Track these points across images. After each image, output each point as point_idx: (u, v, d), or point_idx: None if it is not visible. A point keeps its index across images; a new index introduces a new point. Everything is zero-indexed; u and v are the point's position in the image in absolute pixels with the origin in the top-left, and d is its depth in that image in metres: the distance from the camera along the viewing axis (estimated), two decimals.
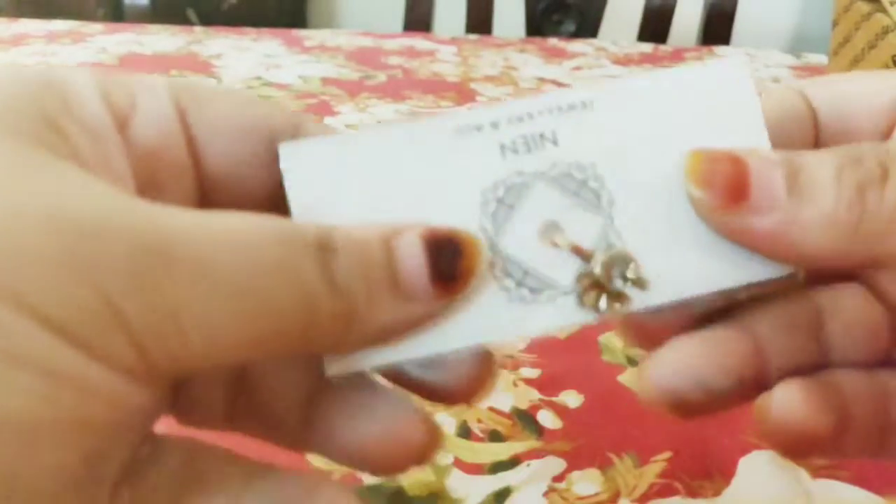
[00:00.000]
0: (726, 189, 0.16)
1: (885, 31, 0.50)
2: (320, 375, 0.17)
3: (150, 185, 0.16)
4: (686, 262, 0.17)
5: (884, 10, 0.51)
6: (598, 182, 0.18)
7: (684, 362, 0.17)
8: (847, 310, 0.18)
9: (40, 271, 0.12)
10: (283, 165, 0.17)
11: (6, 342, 0.12)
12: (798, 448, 0.17)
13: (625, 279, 0.17)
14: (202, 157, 0.17)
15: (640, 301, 0.17)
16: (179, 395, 0.17)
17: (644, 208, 0.17)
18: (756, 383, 0.17)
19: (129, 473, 0.15)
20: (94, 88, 0.16)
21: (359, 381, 0.17)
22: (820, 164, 0.16)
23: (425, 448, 0.17)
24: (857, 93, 0.19)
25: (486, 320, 0.17)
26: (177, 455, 0.16)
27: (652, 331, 0.18)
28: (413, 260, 0.16)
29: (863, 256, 0.16)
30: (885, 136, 0.19)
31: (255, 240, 0.14)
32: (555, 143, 0.18)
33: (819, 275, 0.18)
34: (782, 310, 0.18)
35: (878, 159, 0.16)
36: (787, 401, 0.17)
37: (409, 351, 0.16)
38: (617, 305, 0.17)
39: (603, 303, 0.17)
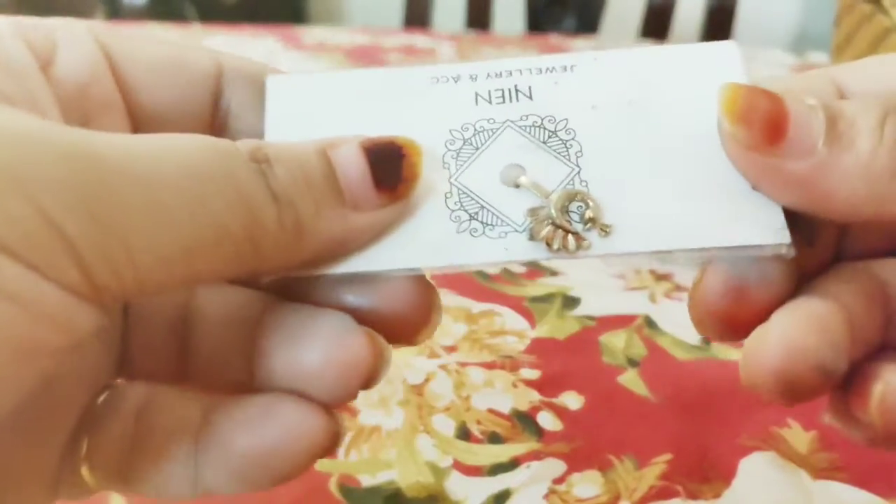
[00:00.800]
0: (763, 127, 0.15)
1: (887, 32, 0.50)
2: (260, 308, 0.17)
3: (79, 123, 0.16)
4: (661, 215, 0.17)
5: (885, 12, 0.50)
6: (568, 135, 0.18)
7: (798, 343, 0.15)
8: None
9: None
10: (267, 96, 0.18)
11: None
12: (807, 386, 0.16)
13: (585, 221, 0.17)
14: (133, 94, 0.17)
15: (602, 247, 0.16)
16: (127, 350, 0.17)
17: (616, 164, 0.17)
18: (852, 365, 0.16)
19: (86, 422, 0.16)
20: (12, 31, 0.16)
21: (298, 309, 0.17)
22: (862, 112, 0.15)
23: (372, 368, 0.16)
24: (892, 74, 0.18)
25: (430, 247, 0.17)
26: (134, 400, 0.16)
27: (733, 313, 0.17)
28: (353, 167, 0.16)
29: (891, 212, 0.15)
30: None
31: (190, 151, 0.14)
32: (530, 97, 0.18)
33: (865, 248, 0.18)
34: (858, 282, 0.17)
35: None
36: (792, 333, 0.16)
37: (347, 266, 0.16)
38: (572, 245, 0.16)
39: (557, 241, 0.16)
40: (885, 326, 0.17)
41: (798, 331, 0.15)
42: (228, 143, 0.15)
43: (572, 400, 0.32)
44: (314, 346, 0.16)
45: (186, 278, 0.14)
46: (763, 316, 0.16)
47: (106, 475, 0.16)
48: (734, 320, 0.17)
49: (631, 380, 0.33)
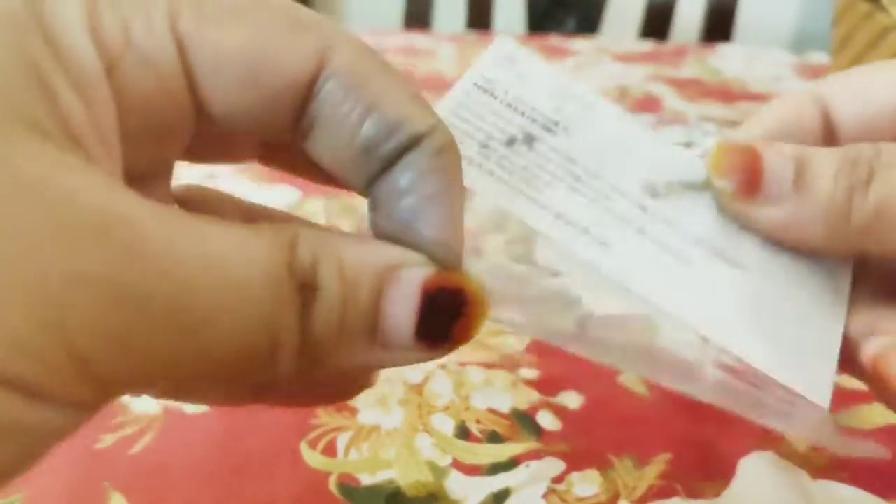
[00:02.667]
0: (742, 180, 0.18)
1: (886, 31, 0.50)
2: None
3: (143, 134, 0.14)
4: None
5: (884, 10, 0.50)
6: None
7: None
8: None
9: (9, 325, 0.11)
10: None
11: None
12: None
13: None
14: (206, 105, 0.15)
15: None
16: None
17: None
18: None
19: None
20: (82, 23, 0.13)
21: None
22: (824, 163, 0.18)
23: None
24: (879, 90, 0.20)
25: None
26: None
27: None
28: (401, 315, 0.14)
29: (854, 249, 0.18)
30: None
31: (238, 282, 0.13)
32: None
33: None
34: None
35: (869, 161, 0.18)
36: None
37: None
38: None
39: None
40: None
41: None
42: (280, 262, 0.13)
43: (572, 399, 0.32)
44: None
45: (192, 392, 0.15)
46: None
47: None
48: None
49: (630, 379, 0.33)
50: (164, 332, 0.12)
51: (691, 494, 0.27)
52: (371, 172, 0.15)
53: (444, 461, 0.28)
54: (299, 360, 0.14)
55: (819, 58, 0.79)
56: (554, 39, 0.85)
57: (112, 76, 0.13)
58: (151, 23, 0.14)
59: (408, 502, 0.27)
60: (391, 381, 0.32)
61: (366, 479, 0.28)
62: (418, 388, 0.32)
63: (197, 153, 0.17)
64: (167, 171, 0.17)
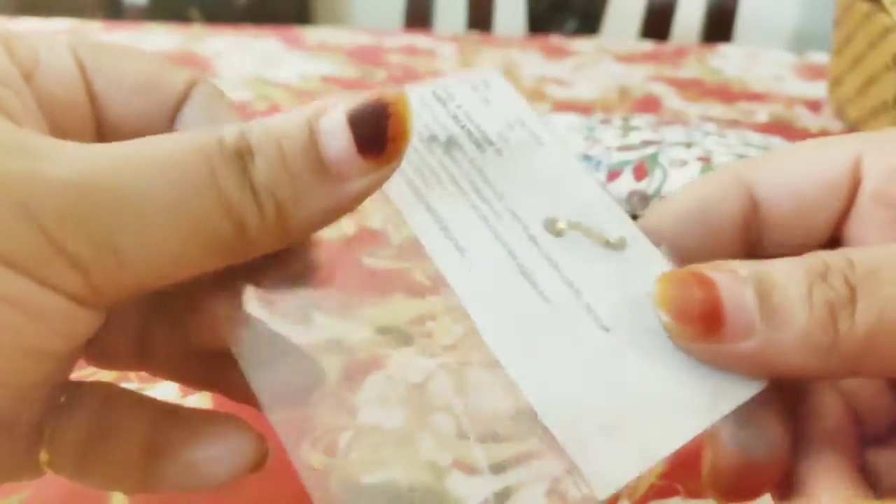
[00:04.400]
0: (701, 321, 0.16)
1: (886, 31, 0.50)
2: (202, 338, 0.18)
3: (55, 134, 0.16)
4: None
5: (885, 11, 0.50)
6: None
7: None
8: (864, 387, 0.19)
9: None
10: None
11: None
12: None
13: None
14: (103, 110, 0.18)
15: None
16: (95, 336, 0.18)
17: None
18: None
19: (51, 413, 0.17)
20: None
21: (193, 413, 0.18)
22: (790, 283, 0.16)
23: (255, 463, 0.18)
24: (804, 172, 0.19)
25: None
26: (93, 398, 0.17)
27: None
28: (336, 137, 0.15)
29: (842, 373, 0.16)
30: (842, 212, 0.18)
31: (172, 157, 0.14)
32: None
33: None
34: (832, 413, 0.18)
35: (843, 275, 0.16)
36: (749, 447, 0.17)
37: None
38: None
39: None
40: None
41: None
42: (211, 141, 0.15)
43: None
44: (211, 449, 0.18)
45: (178, 274, 0.15)
46: (773, 477, 0.18)
47: (62, 463, 0.17)
48: (750, 490, 0.18)
49: None
50: (116, 209, 0.14)
51: (692, 494, 0.27)
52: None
53: (445, 461, 0.28)
54: (262, 215, 0.15)
55: (819, 58, 0.79)
56: (554, 40, 0.85)
57: (29, 83, 0.17)
58: (55, 50, 0.17)
59: (408, 502, 0.27)
60: (392, 381, 0.32)
61: (366, 479, 0.28)
62: (419, 388, 0.32)
63: None
64: None
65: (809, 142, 0.19)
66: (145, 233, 0.14)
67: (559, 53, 0.80)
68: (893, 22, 0.49)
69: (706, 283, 0.16)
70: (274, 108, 0.63)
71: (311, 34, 0.85)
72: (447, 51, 0.80)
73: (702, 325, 0.16)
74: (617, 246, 0.18)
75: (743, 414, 0.17)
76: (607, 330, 0.17)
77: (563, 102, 0.65)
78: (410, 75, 0.72)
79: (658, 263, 0.18)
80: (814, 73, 0.75)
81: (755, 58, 0.79)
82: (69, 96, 0.17)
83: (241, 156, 0.15)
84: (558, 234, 0.18)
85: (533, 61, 0.77)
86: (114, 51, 0.18)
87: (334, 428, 0.30)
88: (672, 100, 0.67)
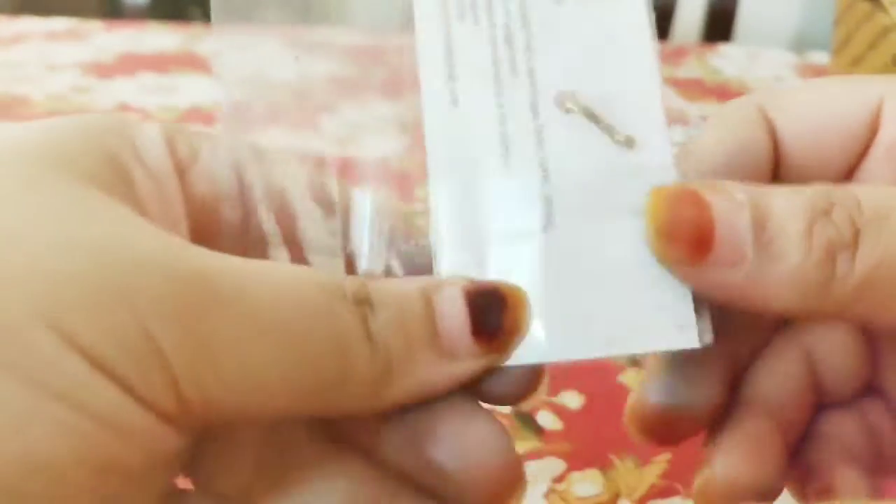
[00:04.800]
0: (690, 241, 0.15)
1: (886, 31, 0.50)
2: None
3: (200, 236, 0.16)
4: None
5: (884, 10, 0.50)
6: None
7: (742, 482, 0.17)
8: (835, 351, 0.19)
9: (83, 301, 0.12)
10: None
11: (43, 371, 0.11)
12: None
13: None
14: (253, 216, 0.17)
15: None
16: (203, 460, 0.16)
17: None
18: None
19: None
20: (160, 135, 0.16)
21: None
22: (789, 215, 0.15)
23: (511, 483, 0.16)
24: (825, 111, 0.18)
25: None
26: None
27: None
28: (453, 314, 0.15)
29: (832, 316, 0.15)
30: (858, 157, 0.18)
31: (296, 284, 0.14)
32: None
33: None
34: (786, 372, 0.18)
35: (849, 215, 0.15)
36: (734, 468, 0.17)
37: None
38: None
39: None
40: (816, 393, 0.19)
41: (741, 473, 0.17)
42: (334, 282, 0.15)
43: (572, 399, 0.32)
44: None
45: (272, 411, 0.14)
46: (698, 427, 0.18)
47: None
48: (672, 435, 0.18)
49: (632, 378, 0.33)
50: (229, 328, 0.13)
51: (692, 494, 0.27)
52: None
53: None
54: (370, 369, 0.14)
55: (820, 58, 0.79)
56: None
57: (183, 178, 0.16)
58: (217, 151, 0.17)
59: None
60: None
61: None
62: None
63: None
64: None
65: (832, 79, 0.19)
66: (249, 347, 0.13)
67: None
68: (893, 22, 0.50)
69: (699, 203, 0.15)
70: (274, 108, 0.63)
71: (310, 33, 0.85)
72: None
73: (689, 247, 0.15)
74: (623, 143, 0.17)
75: (678, 362, 0.17)
76: (551, 228, 0.16)
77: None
78: (412, 75, 0.72)
79: (662, 176, 0.16)
80: (814, 73, 0.75)
81: (755, 58, 0.79)
82: (222, 195, 0.17)
83: (362, 303, 0.15)
84: (566, 111, 0.17)
85: None
86: (273, 158, 0.18)
87: None
88: (672, 99, 0.67)
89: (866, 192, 0.15)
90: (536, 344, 0.16)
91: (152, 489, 0.14)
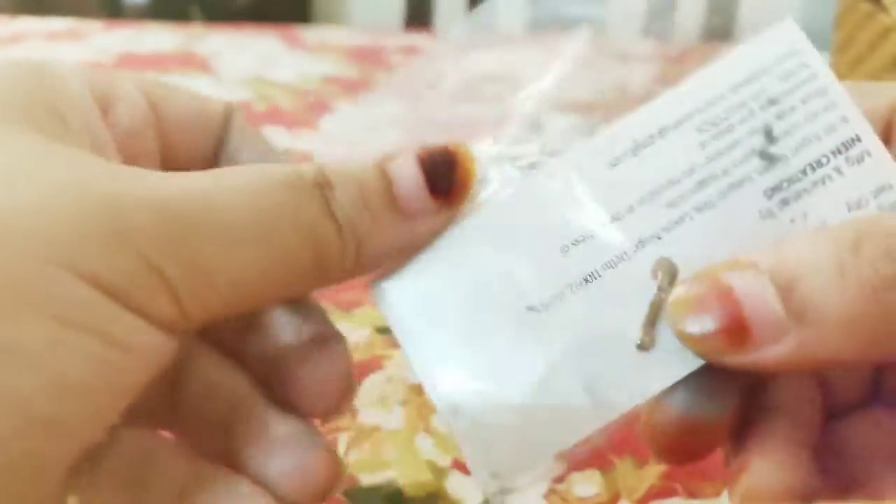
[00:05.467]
0: (724, 331, 0.15)
1: (887, 31, 0.50)
2: (242, 395, 0.18)
3: (129, 162, 0.17)
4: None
5: (885, 11, 0.50)
6: None
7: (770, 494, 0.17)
8: None
9: (90, 241, 0.13)
10: (379, 306, 0.18)
11: (70, 309, 0.13)
12: None
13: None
14: (166, 142, 0.19)
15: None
16: None
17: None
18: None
19: (89, 458, 0.16)
20: (81, 79, 0.17)
21: (270, 414, 0.17)
22: (815, 268, 0.14)
23: (329, 484, 0.17)
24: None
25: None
26: (131, 448, 0.17)
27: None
28: (409, 178, 0.17)
29: (889, 355, 0.15)
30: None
31: (259, 187, 0.15)
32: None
33: None
34: (796, 384, 0.18)
35: (884, 246, 0.14)
36: (765, 480, 0.17)
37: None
38: None
39: None
40: (825, 394, 0.18)
41: (781, 478, 0.16)
42: (293, 174, 0.16)
43: None
44: (285, 460, 0.17)
45: (260, 300, 0.16)
46: (720, 439, 0.18)
47: None
48: (693, 450, 0.17)
49: None
50: (213, 238, 0.14)
51: (691, 494, 0.27)
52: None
53: (445, 461, 0.28)
54: (341, 243, 0.16)
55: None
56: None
57: (105, 118, 0.17)
58: (130, 87, 0.18)
59: (408, 502, 0.27)
60: (392, 381, 0.32)
61: (366, 479, 0.28)
62: (418, 389, 0.32)
63: None
64: None
65: (844, 86, 0.19)
66: (234, 257, 0.15)
67: (559, 53, 0.79)
68: (894, 22, 0.49)
69: (723, 294, 0.15)
70: (274, 108, 0.63)
71: (310, 34, 0.85)
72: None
73: (728, 339, 0.15)
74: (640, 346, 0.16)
75: (691, 377, 0.17)
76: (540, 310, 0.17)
77: (564, 102, 0.65)
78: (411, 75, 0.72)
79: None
80: None
81: None
82: (141, 129, 0.18)
83: (322, 188, 0.16)
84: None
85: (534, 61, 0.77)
86: (165, 84, 0.19)
87: (334, 429, 0.30)
88: None
89: (890, 216, 0.15)
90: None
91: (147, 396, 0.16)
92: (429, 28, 1.02)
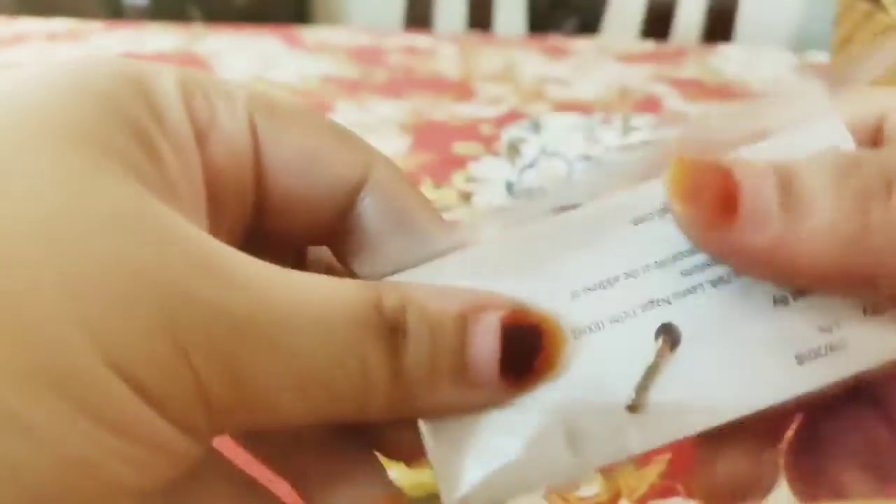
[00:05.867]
0: (713, 203, 0.15)
1: (886, 30, 0.50)
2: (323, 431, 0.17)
3: (212, 203, 0.16)
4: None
5: (884, 10, 0.50)
6: None
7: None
8: None
9: (129, 328, 0.12)
10: (427, 447, 0.16)
11: (93, 398, 0.12)
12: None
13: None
14: (267, 183, 0.16)
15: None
16: None
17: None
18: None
19: None
20: (177, 93, 0.15)
21: (346, 446, 0.17)
22: (815, 172, 0.15)
23: None
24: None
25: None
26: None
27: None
28: (486, 348, 0.15)
29: (865, 272, 0.15)
30: None
31: (329, 318, 0.14)
32: None
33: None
34: None
35: (880, 167, 0.14)
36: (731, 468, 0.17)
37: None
38: None
39: None
40: None
41: (740, 471, 0.17)
42: (372, 312, 0.14)
43: None
44: (347, 495, 0.17)
45: (284, 424, 0.15)
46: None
47: None
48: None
49: None
50: (262, 359, 0.13)
51: (692, 494, 0.27)
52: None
53: None
54: (390, 398, 0.15)
55: (819, 58, 0.79)
56: (554, 40, 0.85)
57: (200, 146, 0.15)
58: (234, 111, 0.16)
59: (408, 502, 0.27)
60: None
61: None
62: None
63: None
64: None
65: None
66: (277, 383, 0.14)
67: (559, 53, 0.80)
68: (893, 21, 0.50)
69: (723, 169, 0.15)
70: None
71: (310, 34, 0.85)
72: (447, 51, 0.80)
73: (714, 211, 0.15)
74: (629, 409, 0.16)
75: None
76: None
77: (564, 102, 0.65)
78: (411, 75, 0.73)
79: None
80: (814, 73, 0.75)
81: (755, 58, 0.79)
82: (237, 166, 0.16)
83: (396, 334, 0.14)
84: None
85: (533, 61, 0.77)
86: (288, 116, 0.16)
87: None
88: (672, 100, 0.67)
89: (891, 153, 0.15)
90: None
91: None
92: (429, 28, 1.02)
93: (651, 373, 0.16)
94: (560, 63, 0.77)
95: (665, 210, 0.16)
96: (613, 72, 0.74)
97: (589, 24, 1.11)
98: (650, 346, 0.16)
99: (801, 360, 0.16)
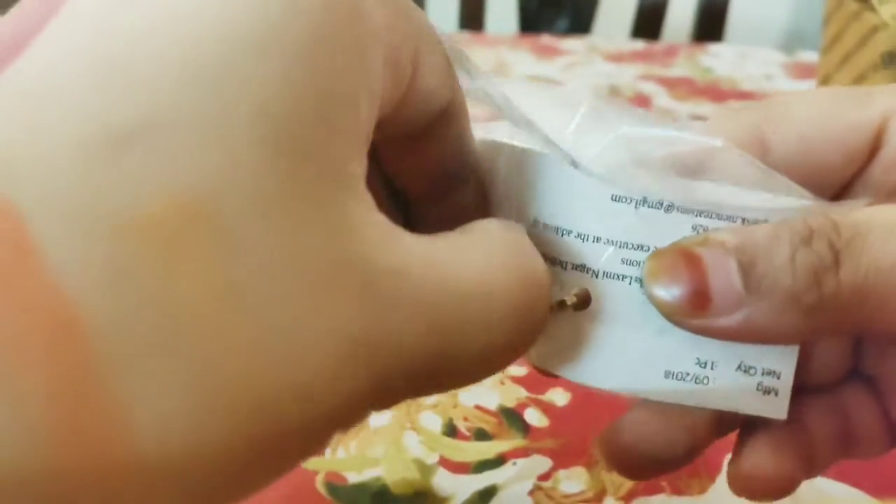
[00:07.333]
0: (688, 296, 0.17)
1: (874, 29, 0.50)
2: None
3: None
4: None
5: (873, 10, 0.51)
6: None
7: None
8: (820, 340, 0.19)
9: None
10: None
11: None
12: (770, 496, 0.19)
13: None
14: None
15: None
16: None
17: None
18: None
19: None
20: (381, 50, 0.14)
21: None
22: (773, 251, 0.16)
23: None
24: (824, 133, 0.18)
25: None
26: None
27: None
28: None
29: (828, 332, 0.17)
30: (855, 174, 0.19)
31: (494, 315, 0.15)
32: None
33: None
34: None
35: (828, 241, 0.16)
36: (758, 463, 0.19)
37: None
38: None
39: None
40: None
41: (768, 467, 0.19)
42: (540, 276, 0.16)
43: (559, 396, 0.32)
44: None
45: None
46: (678, 465, 0.20)
47: None
48: (644, 472, 0.20)
49: None
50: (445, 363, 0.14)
51: (677, 491, 0.27)
52: None
53: (432, 459, 0.28)
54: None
55: (809, 56, 0.79)
56: (546, 39, 0.85)
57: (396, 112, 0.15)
58: (435, 65, 0.17)
59: (394, 500, 0.27)
60: None
61: (353, 478, 0.28)
62: None
63: None
64: None
65: (833, 92, 0.19)
66: (455, 358, 0.14)
67: (550, 52, 0.80)
68: (881, 21, 0.50)
69: (693, 261, 0.17)
70: None
71: None
72: None
73: (690, 303, 0.17)
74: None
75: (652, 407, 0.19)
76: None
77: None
78: None
79: None
80: (803, 71, 0.75)
81: (745, 57, 0.79)
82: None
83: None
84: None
85: (524, 60, 0.77)
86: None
87: None
88: (662, 99, 0.67)
89: (844, 214, 0.17)
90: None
91: None
92: None
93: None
94: (551, 62, 0.77)
95: (640, 203, 0.18)
96: (604, 71, 0.74)
97: (580, 23, 1.11)
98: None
99: (667, 375, 0.18)
